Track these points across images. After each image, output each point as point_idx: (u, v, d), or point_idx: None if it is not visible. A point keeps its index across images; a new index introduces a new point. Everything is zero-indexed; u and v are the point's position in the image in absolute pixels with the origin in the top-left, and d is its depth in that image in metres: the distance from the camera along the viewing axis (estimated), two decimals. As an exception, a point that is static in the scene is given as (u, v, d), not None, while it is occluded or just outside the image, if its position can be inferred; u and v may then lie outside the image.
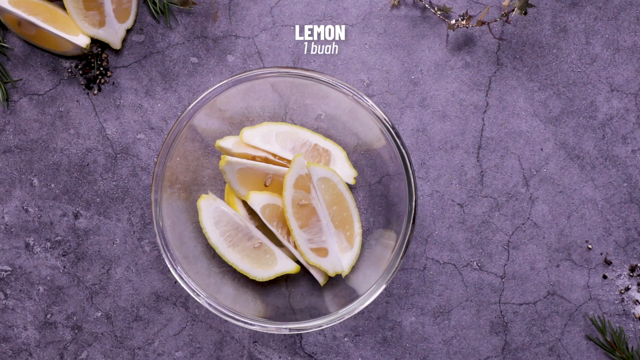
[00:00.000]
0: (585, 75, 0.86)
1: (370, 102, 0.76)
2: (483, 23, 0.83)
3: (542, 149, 0.86)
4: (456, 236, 0.86)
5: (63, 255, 0.86)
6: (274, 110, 0.84)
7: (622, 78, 0.86)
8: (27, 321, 0.86)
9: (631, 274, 0.86)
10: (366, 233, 0.84)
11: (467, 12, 0.83)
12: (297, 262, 0.83)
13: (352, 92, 0.76)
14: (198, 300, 0.75)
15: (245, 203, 0.83)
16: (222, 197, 0.84)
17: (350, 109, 0.79)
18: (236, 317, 0.76)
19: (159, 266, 0.85)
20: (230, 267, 0.82)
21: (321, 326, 0.76)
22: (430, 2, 0.85)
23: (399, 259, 0.76)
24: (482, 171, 0.86)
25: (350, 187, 0.84)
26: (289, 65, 0.86)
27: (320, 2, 0.86)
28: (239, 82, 0.76)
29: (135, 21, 0.86)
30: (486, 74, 0.86)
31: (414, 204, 0.76)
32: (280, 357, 0.86)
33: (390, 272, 0.76)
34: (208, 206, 0.81)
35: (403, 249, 0.76)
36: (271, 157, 0.82)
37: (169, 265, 0.76)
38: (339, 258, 0.82)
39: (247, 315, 0.76)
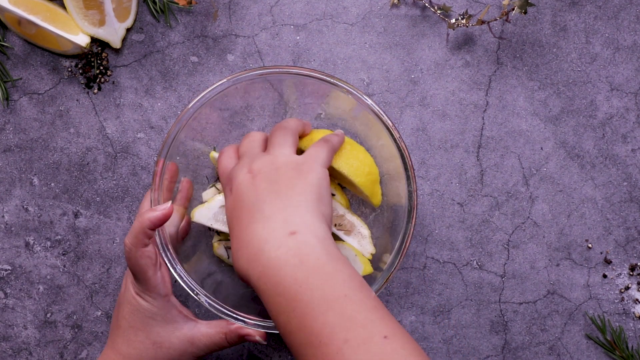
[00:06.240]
0: (585, 74, 0.86)
1: (370, 101, 0.76)
2: (483, 22, 0.83)
3: (542, 148, 0.86)
4: (456, 235, 0.86)
5: (63, 254, 0.86)
6: (273, 110, 0.84)
7: (622, 77, 0.86)
8: (27, 320, 0.86)
9: (631, 273, 0.86)
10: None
11: (467, 11, 0.83)
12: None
13: (352, 91, 0.76)
14: (198, 300, 0.75)
15: (245, 202, 0.83)
16: (222, 196, 0.84)
17: (350, 108, 0.79)
18: (236, 316, 0.76)
19: (159, 265, 0.85)
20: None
21: (321, 325, 0.76)
22: (430, 1, 0.85)
23: (399, 258, 0.76)
24: (482, 170, 0.86)
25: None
26: (289, 65, 0.86)
27: (320, 1, 0.86)
28: (238, 81, 0.76)
29: (135, 20, 0.86)
30: (486, 73, 0.86)
31: (413, 203, 0.76)
32: (280, 357, 0.86)
33: (389, 271, 0.76)
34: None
35: (403, 248, 0.76)
36: None
37: (168, 265, 0.76)
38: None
39: (247, 315, 0.76)
